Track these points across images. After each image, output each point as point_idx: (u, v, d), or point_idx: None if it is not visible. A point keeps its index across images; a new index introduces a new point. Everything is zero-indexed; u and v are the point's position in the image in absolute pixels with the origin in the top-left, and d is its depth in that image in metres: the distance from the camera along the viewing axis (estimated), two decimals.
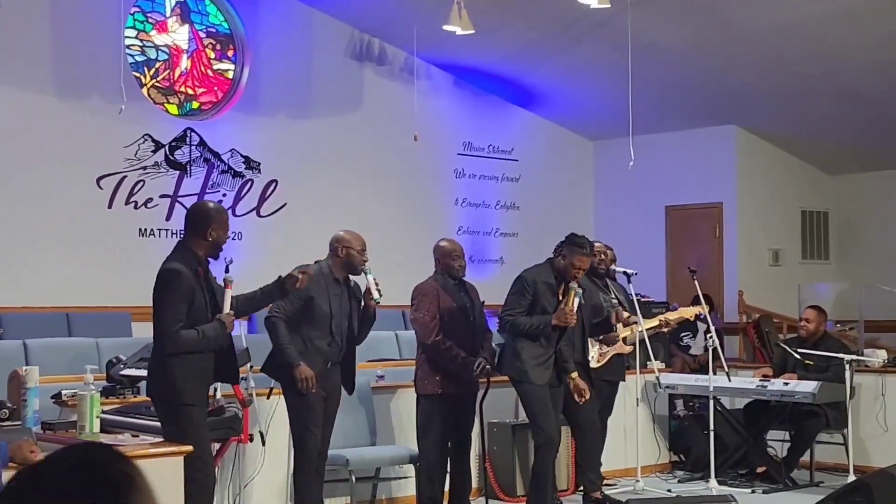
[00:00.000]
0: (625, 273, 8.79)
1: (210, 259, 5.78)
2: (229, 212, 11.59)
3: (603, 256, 8.62)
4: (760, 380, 9.26)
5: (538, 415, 7.43)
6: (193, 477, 5.47)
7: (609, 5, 10.06)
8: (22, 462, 4.44)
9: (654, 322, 8.75)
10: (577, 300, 7.34)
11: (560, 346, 7.49)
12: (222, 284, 5.79)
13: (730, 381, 9.12)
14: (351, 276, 7.03)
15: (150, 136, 11.32)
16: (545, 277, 7.44)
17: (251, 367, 6.93)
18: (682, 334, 12.15)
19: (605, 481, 8.68)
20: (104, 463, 1.64)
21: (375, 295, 6.83)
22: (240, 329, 7.88)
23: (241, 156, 11.97)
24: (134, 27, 11.55)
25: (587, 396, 7.54)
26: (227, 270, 5.87)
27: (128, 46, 11.39)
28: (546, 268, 7.54)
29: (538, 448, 7.53)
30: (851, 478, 8.35)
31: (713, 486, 8.63)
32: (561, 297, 7.44)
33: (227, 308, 5.74)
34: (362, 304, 7.00)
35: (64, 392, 6.60)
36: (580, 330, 7.79)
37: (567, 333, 7.51)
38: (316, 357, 6.73)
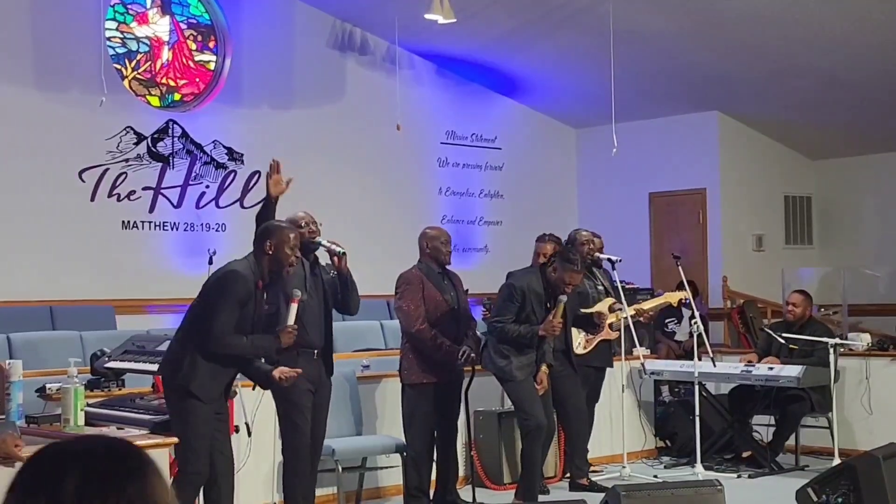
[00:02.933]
0: (609, 260, 8.80)
1: (274, 274, 5.83)
2: (213, 204, 11.72)
3: (591, 246, 8.62)
4: (745, 365, 9.28)
5: (524, 402, 7.51)
6: (183, 468, 5.50)
7: None
8: (5, 456, 4.42)
9: (632, 311, 8.74)
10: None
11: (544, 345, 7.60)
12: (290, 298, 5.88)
13: (715, 366, 9.14)
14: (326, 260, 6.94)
15: (132, 129, 11.28)
16: (534, 286, 7.52)
17: None
18: (667, 320, 12.18)
19: (591, 468, 8.71)
20: (129, 447, 1.75)
21: (337, 249, 6.68)
22: None
23: (224, 147, 11.95)
24: (114, 19, 11.50)
25: (541, 391, 7.65)
26: (210, 262, 5.86)
27: (108, 38, 11.34)
28: (535, 276, 7.60)
29: (527, 434, 7.55)
30: (837, 461, 8.37)
31: (699, 472, 8.65)
32: (549, 307, 7.51)
33: (291, 320, 5.82)
34: (335, 279, 6.90)
35: (48, 385, 6.58)
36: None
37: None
38: (306, 349, 6.65)
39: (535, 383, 7.60)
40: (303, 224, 6.70)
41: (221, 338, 5.60)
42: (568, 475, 8.67)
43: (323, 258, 6.95)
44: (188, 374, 5.61)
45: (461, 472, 8.08)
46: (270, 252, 5.77)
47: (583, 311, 8.22)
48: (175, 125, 11.62)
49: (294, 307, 5.86)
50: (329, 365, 6.80)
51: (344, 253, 6.73)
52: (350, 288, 6.82)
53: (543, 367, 7.67)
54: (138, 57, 11.71)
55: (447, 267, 7.63)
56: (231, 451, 5.91)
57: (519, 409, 7.61)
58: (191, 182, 11.66)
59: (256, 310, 5.76)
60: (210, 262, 5.84)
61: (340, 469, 7.43)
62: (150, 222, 11.39)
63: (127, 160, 11.22)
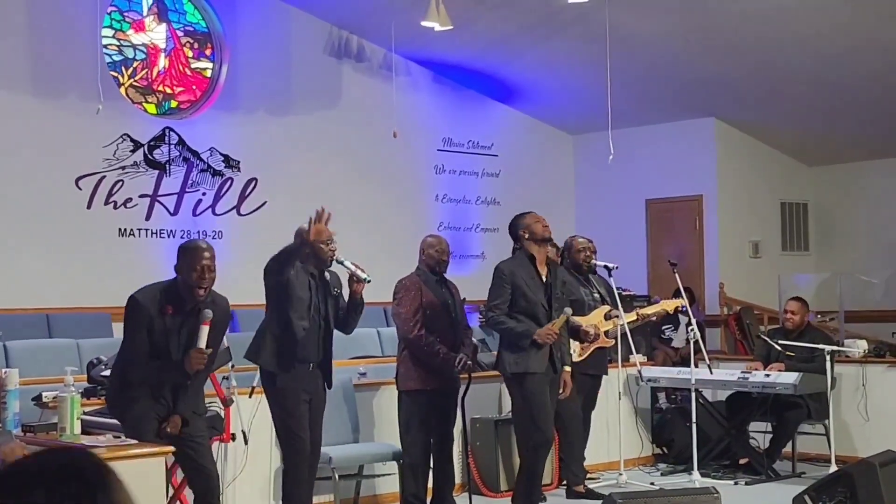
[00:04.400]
0: (605, 267, 8.79)
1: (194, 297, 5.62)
2: (209, 211, 11.71)
3: (588, 253, 8.62)
4: (742, 372, 9.28)
5: (537, 415, 7.22)
6: None
7: None
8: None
9: (633, 316, 8.72)
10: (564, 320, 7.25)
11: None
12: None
13: (711, 373, 9.12)
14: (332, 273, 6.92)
15: (129, 136, 11.28)
16: (522, 268, 7.29)
17: (232, 365, 6.90)
18: (664, 327, 12.18)
19: (588, 475, 8.70)
20: (90, 459, 1.73)
21: (363, 275, 6.62)
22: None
23: (221, 154, 11.95)
24: (111, 26, 11.50)
25: (568, 393, 7.49)
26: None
27: (105, 46, 11.35)
28: (520, 259, 7.37)
29: (534, 448, 7.29)
30: (833, 468, 8.36)
31: (696, 479, 8.64)
32: (543, 281, 7.32)
33: (201, 343, 5.55)
34: (340, 295, 6.86)
35: (44, 394, 6.56)
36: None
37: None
38: (300, 358, 6.59)
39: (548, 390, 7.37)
40: (325, 239, 6.68)
41: (127, 365, 5.58)
42: (564, 482, 8.66)
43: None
44: (115, 403, 5.66)
45: (458, 480, 8.06)
46: (180, 274, 5.66)
47: (574, 319, 8.12)
48: (172, 132, 11.62)
49: (205, 329, 5.59)
50: (327, 377, 6.76)
51: (368, 280, 6.69)
52: (358, 312, 6.82)
53: (567, 368, 7.42)
54: (135, 64, 11.71)
55: (445, 274, 7.63)
56: (211, 470, 5.74)
57: (531, 420, 7.31)
58: (187, 189, 11.66)
59: (171, 334, 5.57)
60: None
61: (337, 477, 7.43)
62: (146, 230, 11.38)
63: (123, 167, 11.22)
